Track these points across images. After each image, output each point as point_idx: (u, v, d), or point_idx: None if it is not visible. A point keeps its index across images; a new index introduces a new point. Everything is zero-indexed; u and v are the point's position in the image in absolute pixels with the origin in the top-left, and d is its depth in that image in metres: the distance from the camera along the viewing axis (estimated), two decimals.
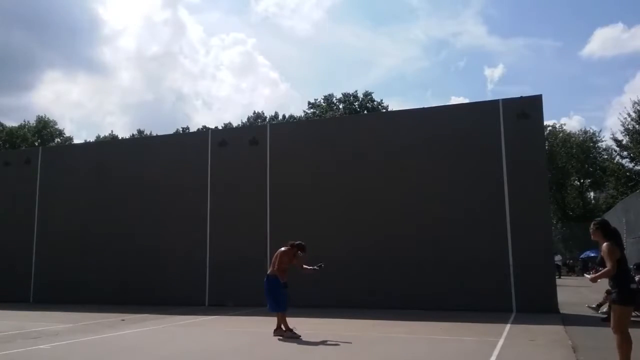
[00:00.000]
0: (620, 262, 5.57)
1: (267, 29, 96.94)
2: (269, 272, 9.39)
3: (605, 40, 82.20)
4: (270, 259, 14.51)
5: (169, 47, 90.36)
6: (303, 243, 9.48)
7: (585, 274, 7.25)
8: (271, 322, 9.38)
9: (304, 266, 9.55)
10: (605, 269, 5.61)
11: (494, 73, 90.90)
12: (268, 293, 9.19)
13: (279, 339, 8.76)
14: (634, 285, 5.60)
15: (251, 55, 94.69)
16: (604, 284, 9.06)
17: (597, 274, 5.83)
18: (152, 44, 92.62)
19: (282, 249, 9.43)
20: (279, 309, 9.06)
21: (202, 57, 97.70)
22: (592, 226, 5.92)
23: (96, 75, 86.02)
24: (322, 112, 51.29)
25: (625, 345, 5.48)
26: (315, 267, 9.48)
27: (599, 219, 6.18)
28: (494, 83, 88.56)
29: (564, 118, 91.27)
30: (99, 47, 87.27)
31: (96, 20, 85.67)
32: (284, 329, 8.99)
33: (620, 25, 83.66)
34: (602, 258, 5.77)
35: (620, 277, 5.56)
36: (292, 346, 8.26)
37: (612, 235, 5.77)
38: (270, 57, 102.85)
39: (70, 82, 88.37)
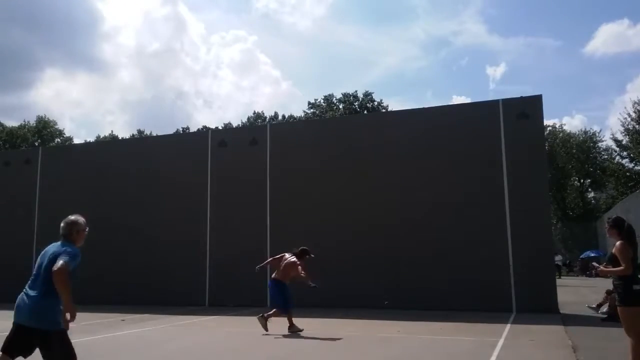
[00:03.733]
0: (632, 262, 5.45)
1: (268, 26, 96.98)
2: (276, 276, 9.67)
3: (609, 37, 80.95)
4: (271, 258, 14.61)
5: (169, 44, 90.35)
6: (305, 248, 9.85)
7: (594, 263, 7.13)
8: (270, 322, 9.39)
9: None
10: (620, 267, 5.45)
11: (496, 72, 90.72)
12: (279, 295, 9.50)
13: (284, 335, 8.80)
14: (637, 287, 5.43)
15: (252, 53, 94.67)
16: (604, 284, 9.05)
17: (609, 269, 5.66)
18: (152, 41, 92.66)
19: (293, 259, 9.59)
20: (288, 307, 9.42)
21: (202, 55, 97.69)
22: (606, 224, 5.80)
23: (96, 73, 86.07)
24: (322, 112, 51.32)
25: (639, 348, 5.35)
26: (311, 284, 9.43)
27: (613, 216, 6.01)
28: (496, 82, 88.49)
29: (566, 117, 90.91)
30: (99, 44, 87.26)
31: (95, 17, 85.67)
32: (292, 323, 9.35)
33: (625, 21, 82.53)
34: (612, 255, 5.63)
35: (626, 277, 5.45)
36: (291, 346, 8.26)
37: (627, 232, 5.62)
38: (271, 55, 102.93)
39: (70, 81, 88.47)
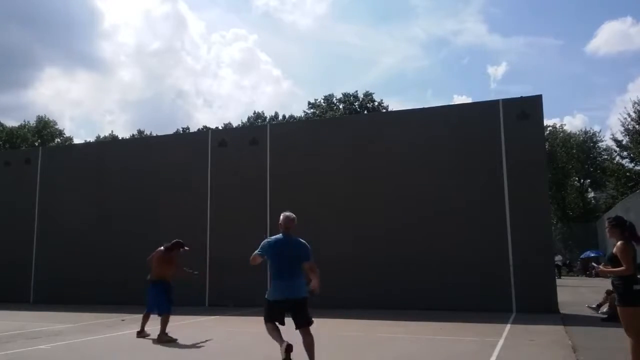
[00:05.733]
0: (633, 262, 5.44)
1: (268, 24, 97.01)
2: (153, 278, 9.46)
3: (611, 36, 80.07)
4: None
5: (169, 43, 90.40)
6: (179, 240, 9.60)
7: (593, 263, 7.17)
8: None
9: (184, 268, 9.75)
10: (620, 267, 5.46)
11: (497, 71, 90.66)
12: (160, 297, 9.19)
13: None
14: (637, 287, 5.43)
15: (252, 52, 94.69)
16: (604, 284, 9.04)
17: (609, 269, 5.65)
18: (152, 40, 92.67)
19: (160, 251, 9.48)
20: (168, 310, 9.07)
21: (203, 54, 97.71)
22: (607, 224, 5.79)
23: (95, 72, 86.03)
24: (322, 112, 51.33)
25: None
26: (193, 272, 9.85)
27: (613, 216, 6.00)
28: (497, 82, 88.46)
29: (568, 117, 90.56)
30: (98, 42, 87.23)
31: (95, 15, 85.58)
32: (165, 332, 8.91)
33: (628, 19, 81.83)
34: (612, 255, 5.63)
35: (626, 277, 5.45)
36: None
37: (629, 232, 5.62)
38: (271, 54, 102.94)
39: (70, 80, 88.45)
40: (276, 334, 6.07)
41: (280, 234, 6.10)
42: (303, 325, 5.85)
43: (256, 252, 6.08)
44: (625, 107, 40.45)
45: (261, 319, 9.61)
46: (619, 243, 5.57)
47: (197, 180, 15.90)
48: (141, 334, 9.17)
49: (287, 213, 6.18)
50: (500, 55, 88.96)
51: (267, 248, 6.02)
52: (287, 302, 5.87)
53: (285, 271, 5.92)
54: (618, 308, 5.60)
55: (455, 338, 8.79)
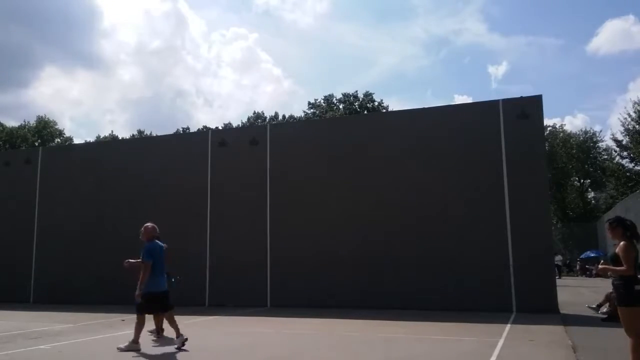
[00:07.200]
0: (634, 262, 5.43)
1: (268, 23, 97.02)
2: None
3: (612, 35, 78.98)
4: (270, 258, 14.64)
5: (170, 42, 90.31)
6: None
7: (595, 264, 7.21)
8: (270, 322, 9.37)
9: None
10: (621, 267, 5.44)
11: (498, 70, 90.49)
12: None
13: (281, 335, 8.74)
14: (638, 287, 5.41)
15: (253, 51, 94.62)
16: (605, 284, 9.03)
17: (610, 267, 5.63)
18: (152, 39, 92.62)
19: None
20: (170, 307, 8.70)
21: (203, 53, 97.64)
22: (608, 225, 5.78)
23: (95, 71, 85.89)
24: (322, 112, 51.33)
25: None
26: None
27: (614, 217, 6.00)
28: (498, 81, 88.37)
29: (568, 117, 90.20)
30: (98, 41, 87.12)
31: (94, 14, 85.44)
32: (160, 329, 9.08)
33: (631, 18, 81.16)
34: (614, 255, 5.61)
35: (627, 277, 5.44)
36: (291, 346, 8.27)
37: (631, 232, 5.61)
38: (272, 53, 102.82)
39: (69, 79, 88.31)
40: (142, 328, 7.84)
41: (154, 241, 8.26)
42: (169, 309, 8.18)
43: (148, 261, 8.00)
44: (625, 107, 40.55)
45: (261, 319, 9.63)
46: (621, 243, 5.56)
47: (197, 180, 15.90)
48: (159, 334, 9.16)
49: (152, 224, 8.48)
50: (501, 55, 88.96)
51: (155, 253, 8.13)
52: (165, 292, 8.12)
53: (163, 269, 8.22)
54: (618, 308, 5.60)
55: (455, 338, 8.79)
